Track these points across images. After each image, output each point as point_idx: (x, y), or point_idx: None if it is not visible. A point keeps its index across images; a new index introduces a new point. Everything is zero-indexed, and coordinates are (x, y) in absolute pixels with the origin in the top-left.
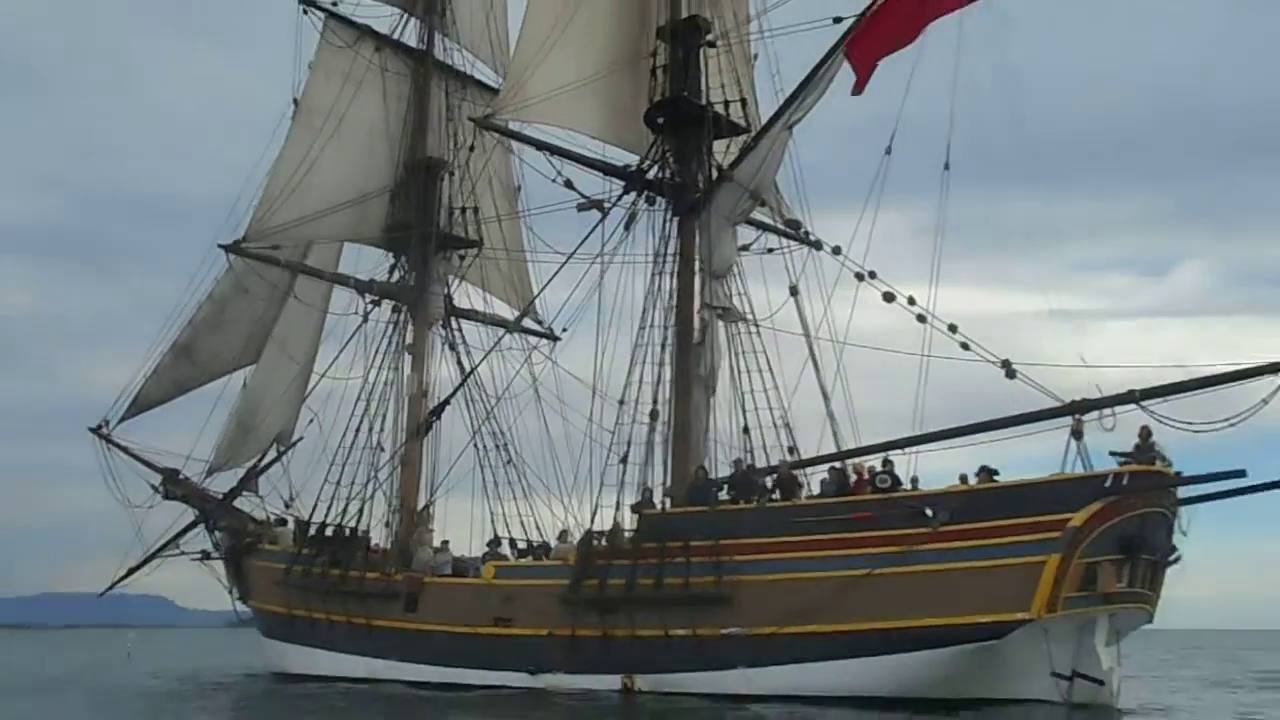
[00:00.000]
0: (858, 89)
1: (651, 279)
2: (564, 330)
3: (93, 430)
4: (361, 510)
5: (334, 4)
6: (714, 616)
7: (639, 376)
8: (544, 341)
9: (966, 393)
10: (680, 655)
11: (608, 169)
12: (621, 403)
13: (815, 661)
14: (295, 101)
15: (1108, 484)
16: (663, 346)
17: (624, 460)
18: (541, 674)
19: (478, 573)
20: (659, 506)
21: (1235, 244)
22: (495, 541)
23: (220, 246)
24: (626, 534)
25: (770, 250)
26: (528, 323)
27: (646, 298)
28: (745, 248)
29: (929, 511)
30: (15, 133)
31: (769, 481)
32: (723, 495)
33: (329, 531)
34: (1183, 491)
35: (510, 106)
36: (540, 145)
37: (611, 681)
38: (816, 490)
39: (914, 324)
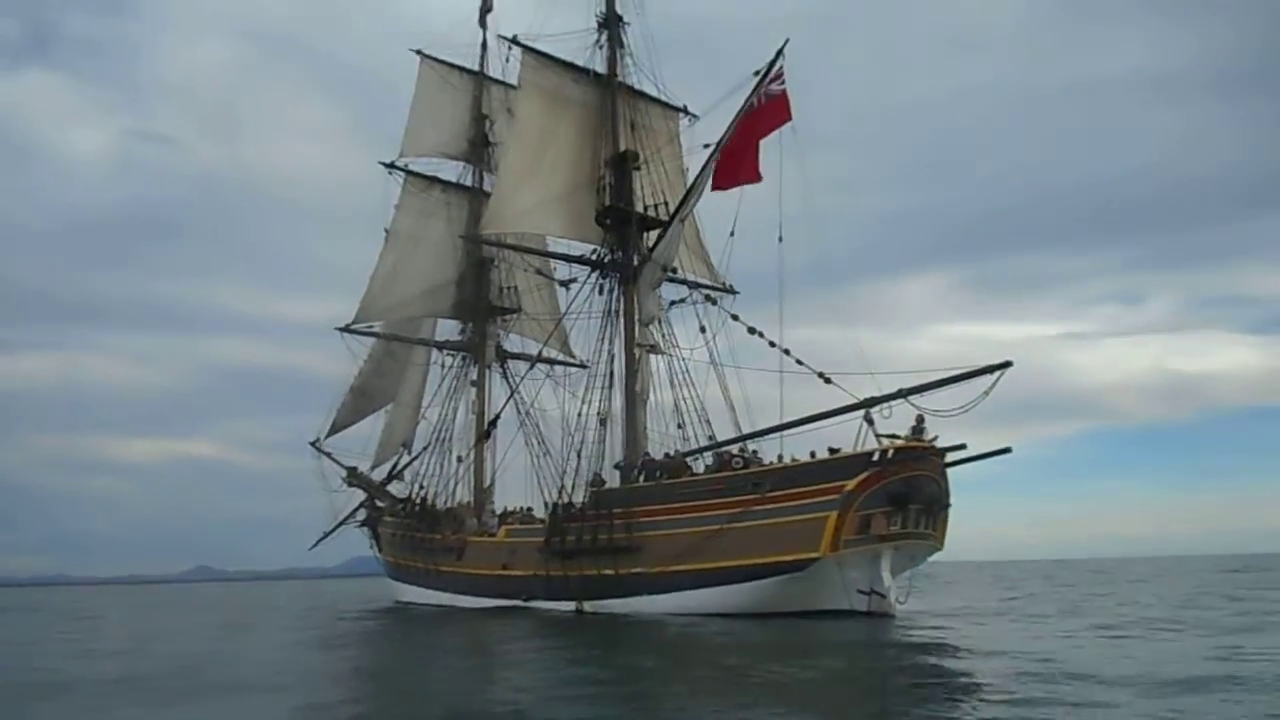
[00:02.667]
0: (716, 189)
1: (603, 327)
2: (588, 360)
3: (311, 444)
4: (439, 492)
5: (406, 166)
6: (629, 560)
7: (594, 395)
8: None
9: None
10: (609, 587)
11: (568, 258)
12: (579, 414)
13: (690, 590)
14: (386, 230)
15: (874, 458)
16: (610, 374)
17: (578, 454)
18: (530, 600)
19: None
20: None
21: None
22: (529, 509)
23: (336, 329)
24: (578, 505)
25: (705, 300)
26: (565, 357)
27: (599, 340)
28: (680, 301)
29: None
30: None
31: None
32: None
33: (416, 507)
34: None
35: (491, 223)
36: (508, 247)
37: (570, 605)
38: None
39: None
